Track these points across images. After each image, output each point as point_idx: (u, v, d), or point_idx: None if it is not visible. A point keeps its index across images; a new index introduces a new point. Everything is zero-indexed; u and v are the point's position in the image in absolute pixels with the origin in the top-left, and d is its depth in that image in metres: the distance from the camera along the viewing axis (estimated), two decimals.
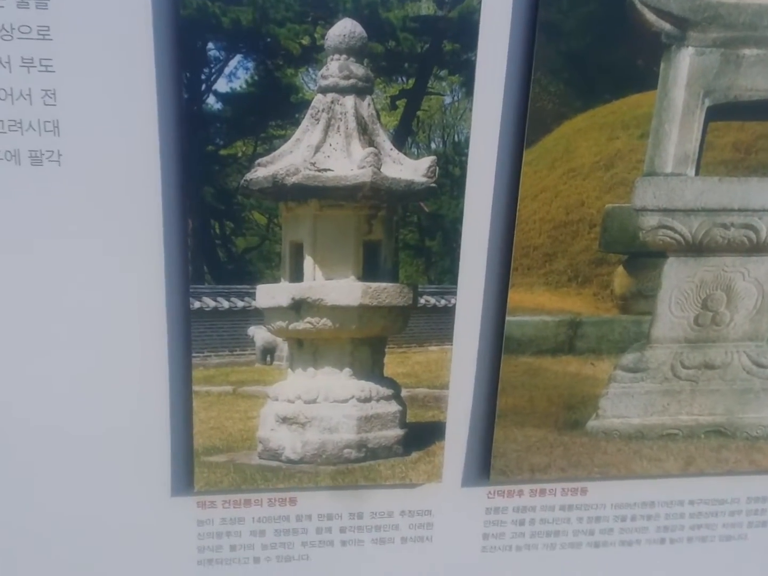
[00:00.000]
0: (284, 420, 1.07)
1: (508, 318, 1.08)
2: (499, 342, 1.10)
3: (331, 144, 0.98)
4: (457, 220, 1.02)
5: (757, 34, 0.99)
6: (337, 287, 1.03)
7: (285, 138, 0.97)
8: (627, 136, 1.02)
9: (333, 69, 0.96)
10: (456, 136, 0.99)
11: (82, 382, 1.02)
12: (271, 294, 1.02)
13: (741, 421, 1.18)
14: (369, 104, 0.98)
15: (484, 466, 1.17)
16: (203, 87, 0.93)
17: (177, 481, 1.10)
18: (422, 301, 1.06)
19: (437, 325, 1.07)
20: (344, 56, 0.95)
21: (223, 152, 0.96)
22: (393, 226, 1.03)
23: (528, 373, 1.12)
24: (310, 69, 0.95)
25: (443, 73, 0.97)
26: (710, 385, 1.16)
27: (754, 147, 1.05)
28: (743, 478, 1.24)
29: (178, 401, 1.05)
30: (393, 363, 1.09)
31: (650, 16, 0.97)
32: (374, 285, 1.04)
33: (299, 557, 1.16)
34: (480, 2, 0.93)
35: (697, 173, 1.05)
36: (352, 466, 1.12)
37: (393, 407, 1.11)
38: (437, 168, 1.00)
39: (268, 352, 1.05)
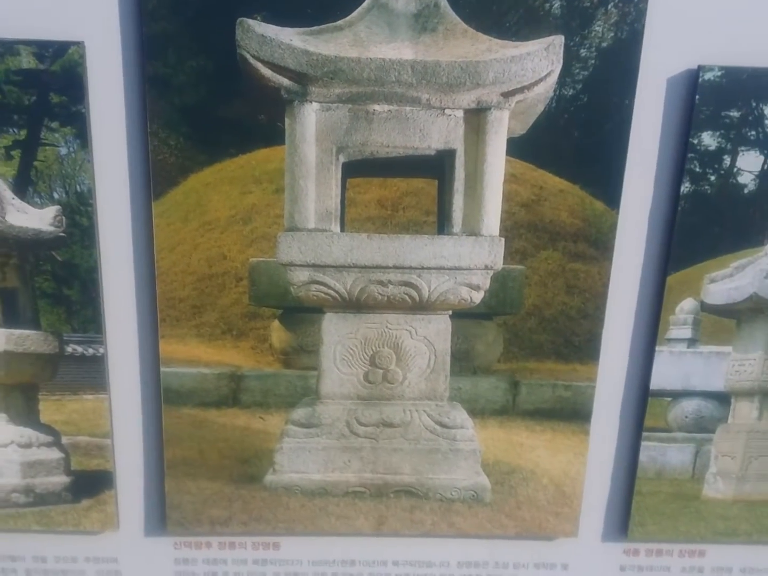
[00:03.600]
0: None
1: (163, 369, 1.07)
2: (159, 393, 1.08)
3: None
4: (93, 270, 1.01)
5: (385, 89, 0.96)
6: None
7: None
8: (261, 190, 1.01)
9: None
10: (78, 187, 0.98)
11: None
12: None
13: (432, 481, 1.14)
14: None
15: (162, 516, 1.15)
16: None
17: None
18: (69, 349, 1.05)
19: (89, 373, 1.07)
20: None
21: None
22: (27, 275, 1.03)
23: (193, 425, 1.11)
24: None
25: (55, 124, 0.97)
26: (392, 444, 1.13)
27: (400, 204, 1.02)
28: (452, 540, 1.19)
29: None
30: (49, 410, 1.09)
31: (266, 71, 0.95)
32: (17, 332, 1.04)
33: None
34: (82, 56, 0.93)
35: (342, 229, 1.02)
36: (23, 510, 1.12)
37: (55, 454, 1.11)
38: (64, 218, 0.99)
39: None
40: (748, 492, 1.15)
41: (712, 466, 1.14)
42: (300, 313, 1.06)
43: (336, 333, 1.07)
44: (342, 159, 0.99)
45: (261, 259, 1.03)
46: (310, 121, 0.97)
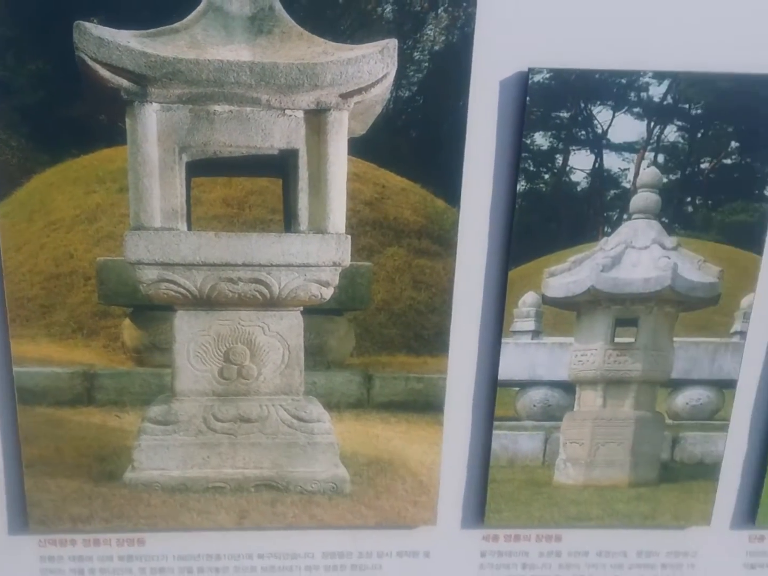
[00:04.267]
0: None
1: (16, 369, 1.07)
2: (13, 392, 1.08)
3: None
4: None
5: (225, 90, 0.98)
6: None
7: None
8: (105, 190, 1.02)
9: None
10: None
11: None
12: None
13: (292, 475, 1.16)
14: None
15: (24, 514, 1.15)
16: None
17: None
18: None
19: None
20: None
21: None
22: None
23: (49, 424, 1.11)
24: None
25: None
26: (250, 439, 1.14)
27: (246, 202, 1.04)
28: (316, 532, 1.22)
29: None
30: None
31: (104, 73, 0.96)
32: None
33: None
34: None
35: (189, 228, 1.03)
36: None
37: None
38: None
39: None
40: (597, 477, 1.20)
41: (562, 452, 1.19)
42: (151, 311, 1.07)
43: (188, 330, 1.08)
44: (185, 158, 1.01)
45: (108, 258, 1.03)
46: (151, 122, 0.99)
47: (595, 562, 1.27)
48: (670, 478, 1.21)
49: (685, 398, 1.18)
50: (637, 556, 1.27)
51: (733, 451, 1.21)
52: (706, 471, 1.21)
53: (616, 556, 1.28)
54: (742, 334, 1.13)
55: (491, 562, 1.27)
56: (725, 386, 1.17)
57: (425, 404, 1.15)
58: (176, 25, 0.95)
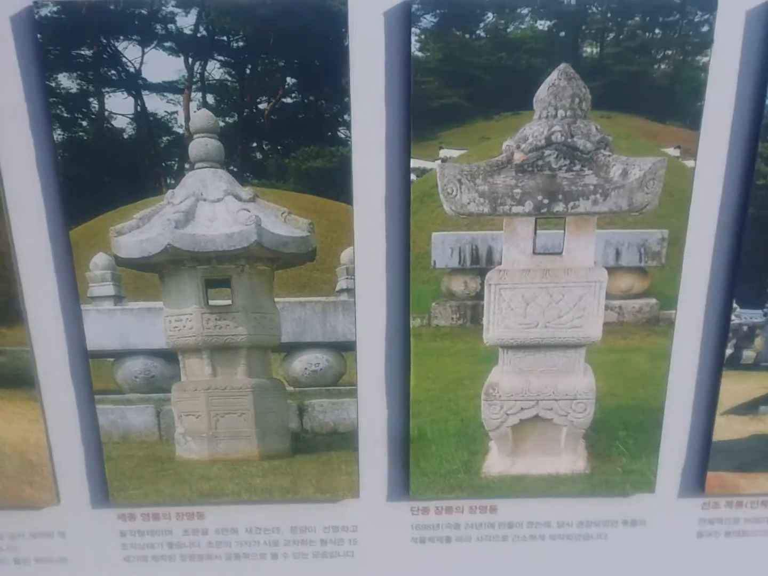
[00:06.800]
0: None
1: None
2: None
3: None
4: None
5: None
6: None
7: None
8: None
9: None
10: None
11: None
12: None
13: None
14: None
15: None
16: None
17: None
18: None
19: None
20: None
21: None
22: None
23: None
24: None
25: None
26: None
27: None
28: None
29: None
30: None
31: None
32: None
33: None
34: None
35: None
36: None
37: None
38: None
39: None
40: (224, 450, 1.10)
41: (179, 426, 1.08)
42: None
43: None
44: None
45: None
46: None
47: (247, 539, 1.17)
48: (305, 449, 1.11)
49: (303, 363, 1.06)
50: (291, 532, 1.17)
51: (371, 418, 1.10)
52: (343, 440, 1.10)
53: (268, 533, 1.17)
54: (350, 291, 1.00)
55: (133, 542, 1.17)
56: (344, 348, 1.05)
57: (14, 378, 1.05)
58: None
